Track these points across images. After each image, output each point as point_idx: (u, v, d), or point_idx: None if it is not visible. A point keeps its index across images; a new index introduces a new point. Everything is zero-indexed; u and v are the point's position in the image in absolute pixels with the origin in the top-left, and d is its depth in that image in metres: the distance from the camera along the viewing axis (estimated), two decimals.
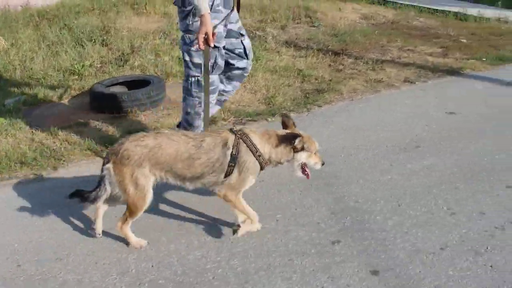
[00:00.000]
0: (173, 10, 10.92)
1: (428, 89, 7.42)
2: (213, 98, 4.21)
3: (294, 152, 3.35)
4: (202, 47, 3.71)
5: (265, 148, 3.33)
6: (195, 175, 3.28)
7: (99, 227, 3.52)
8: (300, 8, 12.08)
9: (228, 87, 4.56)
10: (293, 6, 11.97)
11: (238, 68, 4.42)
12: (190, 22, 3.86)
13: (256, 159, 3.30)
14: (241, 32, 4.33)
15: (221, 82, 4.43)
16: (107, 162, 3.24)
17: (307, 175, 3.48)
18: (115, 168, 3.18)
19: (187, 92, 4.18)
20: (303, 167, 3.46)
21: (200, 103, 4.09)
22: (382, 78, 7.63)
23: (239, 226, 3.44)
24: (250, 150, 3.26)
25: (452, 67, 8.63)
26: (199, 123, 4.23)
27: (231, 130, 3.37)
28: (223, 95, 4.58)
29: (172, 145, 3.21)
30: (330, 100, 6.72)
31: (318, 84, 7.40)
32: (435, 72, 8.29)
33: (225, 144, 3.26)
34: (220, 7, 3.94)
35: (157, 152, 3.18)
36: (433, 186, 4.52)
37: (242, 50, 4.34)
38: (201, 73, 3.97)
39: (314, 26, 11.25)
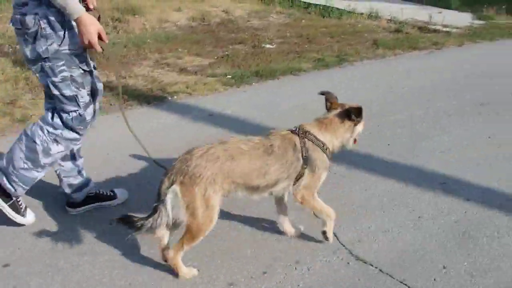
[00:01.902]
0: None
1: None
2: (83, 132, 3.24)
3: (355, 126, 3.01)
4: (100, 49, 2.93)
5: (327, 137, 2.97)
6: (270, 184, 2.84)
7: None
8: (115, 10, 9.51)
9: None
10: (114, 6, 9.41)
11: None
12: (45, 47, 2.88)
13: (324, 153, 2.94)
14: None
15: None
16: (171, 184, 2.64)
17: (355, 141, 3.11)
18: (183, 189, 2.62)
19: (69, 129, 3.12)
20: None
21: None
22: None
23: (324, 232, 3.07)
24: (317, 146, 2.91)
25: (166, 91, 5.97)
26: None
27: (290, 131, 2.94)
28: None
29: (244, 154, 2.76)
30: None
31: None
32: (135, 100, 5.66)
33: (294, 146, 2.87)
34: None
35: (230, 165, 2.70)
36: None
37: None
38: (78, 106, 3.06)
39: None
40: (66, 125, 3.11)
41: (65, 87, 3.01)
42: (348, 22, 10.04)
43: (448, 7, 12.26)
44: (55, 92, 3.03)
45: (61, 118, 3.10)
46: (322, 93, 3.16)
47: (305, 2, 11.55)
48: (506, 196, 3.69)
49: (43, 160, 3.13)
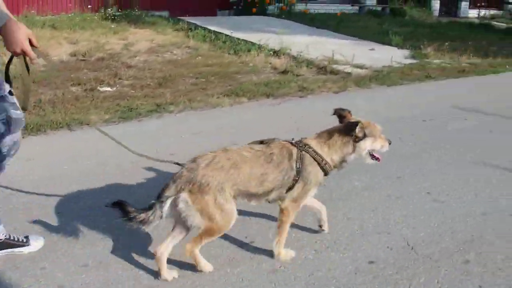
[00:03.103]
0: None
1: None
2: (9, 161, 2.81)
3: (355, 142, 2.86)
4: (34, 55, 2.49)
5: (324, 151, 2.88)
6: (266, 191, 2.81)
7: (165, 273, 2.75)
8: None
9: None
10: None
11: None
12: None
13: (322, 168, 2.86)
14: None
15: None
16: (179, 192, 2.63)
17: (378, 159, 2.97)
18: (193, 198, 2.63)
19: None
20: (371, 153, 2.95)
21: None
22: None
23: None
24: (315, 160, 2.85)
25: None
26: None
27: (290, 142, 2.89)
28: None
29: (246, 163, 2.75)
30: None
31: None
32: None
33: (291, 156, 2.82)
34: None
35: (233, 173, 2.70)
36: None
37: None
38: None
39: None
40: None
41: None
42: (242, 60, 8.60)
43: (389, 42, 10.61)
44: None
45: None
46: (335, 110, 3.03)
47: (227, 35, 10.24)
48: None
49: None
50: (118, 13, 11.76)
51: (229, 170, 2.69)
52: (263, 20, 12.67)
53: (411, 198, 3.63)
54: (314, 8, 14.75)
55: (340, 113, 3.00)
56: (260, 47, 9.26)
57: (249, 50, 9.16)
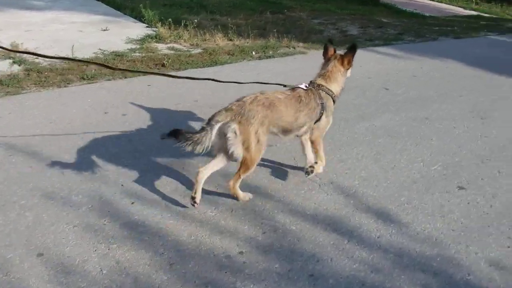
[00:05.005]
0: None
1: None
2: None
3: (346, 71, 3.59)
4: None
5: (333, 86, 3.55)
6: (298, 126, 3.40)
7: (199, 195, 3.25)
8: None
9: None
10: None
11: None
12: None
13: (333, 100, 3.53)
14: None
15: None
16: (229, 121, 3.09)
17: None
18: (241, 128, 3.09)
19: None
20: None
21: None
22: None
23: (312, 167, 3.60)
24: (328, 95, 3.49)
25: None
26: None
27: (308, 85, 3.49)
28: None
29: (281, 102, 3.29)
30: None
31: None
32: None
33: (314, 95, 3.42)
34: None
35: (273, 110, 3.22)
36: None
37: None
38: None
39: None
40: None
41: None
42: None
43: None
44: None
45: None
46: (330, 41, 3.71)
47: None
48: None
49: None
50: None
51: (269, 106, 3.20)
52: None
53: None
54: None
55: (328, 47, 3.64)
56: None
57: None
